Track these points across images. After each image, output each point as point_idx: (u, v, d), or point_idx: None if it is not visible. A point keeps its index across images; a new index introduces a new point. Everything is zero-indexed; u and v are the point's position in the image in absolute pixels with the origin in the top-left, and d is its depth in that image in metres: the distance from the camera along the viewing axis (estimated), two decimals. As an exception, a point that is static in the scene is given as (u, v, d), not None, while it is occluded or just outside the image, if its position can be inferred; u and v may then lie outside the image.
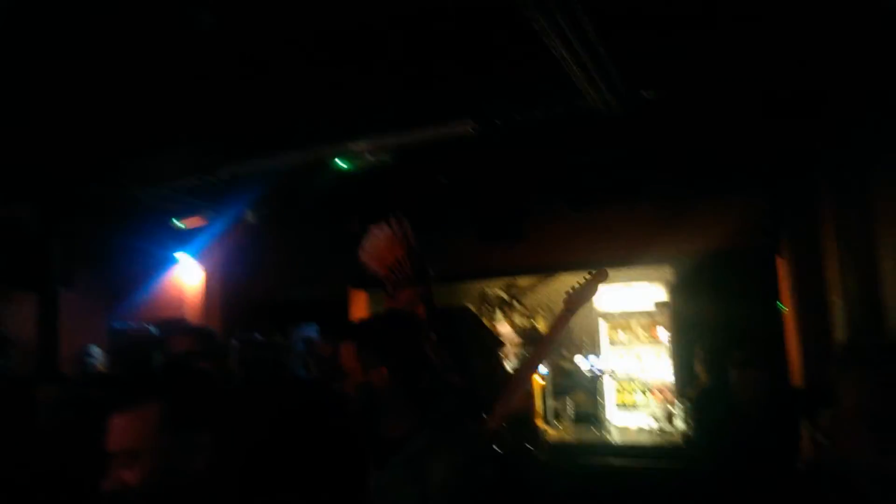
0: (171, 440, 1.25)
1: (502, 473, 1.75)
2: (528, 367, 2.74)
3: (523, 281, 7.12)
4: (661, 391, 5.75)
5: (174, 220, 5.36)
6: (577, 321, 7.43)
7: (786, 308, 4.86)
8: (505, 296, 7.09)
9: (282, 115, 3.61)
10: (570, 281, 7.62)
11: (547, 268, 6.24)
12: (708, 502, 3.65)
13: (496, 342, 2.63)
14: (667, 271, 5.59)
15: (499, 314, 6.84)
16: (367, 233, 2.34)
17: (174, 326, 4.31)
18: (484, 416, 2.20)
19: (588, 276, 2.62)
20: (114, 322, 6.43)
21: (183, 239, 6.16)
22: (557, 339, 2.68)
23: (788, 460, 3.59)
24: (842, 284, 3.38)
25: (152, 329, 6.38)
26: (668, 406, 5.38)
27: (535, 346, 2.48)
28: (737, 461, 3.47)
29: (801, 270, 4.43)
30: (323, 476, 2.22)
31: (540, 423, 5.42)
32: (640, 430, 5.41)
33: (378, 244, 2.29)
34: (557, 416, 5.67)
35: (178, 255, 6.54)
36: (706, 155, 4.56)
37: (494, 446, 2.18)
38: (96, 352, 4.74)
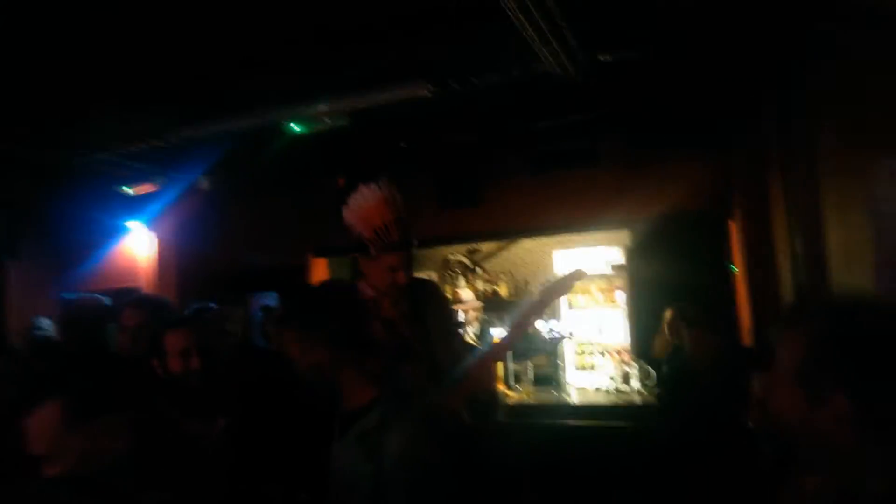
0: (81, 431, 1.20)
1: (458, 449, 1.73)
2: (493, 353, 2.73)
3: (485, 247, 7.15)
4: (618, 353, 5.89)
5: (124, 187, 5.18)
6: (537, 286, 7.51)
7: (737, 269, 5.01)
8: (468, 262, 7.11)
9: (235, 77, 3.48)
10: (531, 246, 7.69)
11: (508, 233, 6.27)
12: (662, 459, 3.78)
13: (457, 322, 2.66)
14: (624, 235, 5.68)
15: (461, 280, 6.86)
16: (354, 191, 2.25)
17: (127, 297, 4.21)
18: (443, 392, 2.19)
19: (564, 275, 2.59)
20: (63, 293, 6.26)
21: (134, 207, 5.98)
22: (526, 328, 2.65)
23: (737, 418, 3.74)
24: (789, 246, 3.48)
25: (105, 300, 6.24)
26: (625, 367, 5.53)
27: (505, 335, 2.46)
28: (689, 419, 3.60)
29: (751, 232, 4.55)
30: (290, 451, 2.21)
31: (501, 386, 5.51)
32: (598, 390, 5.55)
33: (367, 205, 2.21)
34: (518, 379, 5.77)
35: (130, 223, 6.35)
36: (661, 119, 4.61)
37: (451, 422, 2.19)
38: (45, 323, 4.59)
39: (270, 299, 5.67)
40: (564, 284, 2.54)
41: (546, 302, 2.51)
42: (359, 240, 2.26)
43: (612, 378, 5.58)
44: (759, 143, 4.35)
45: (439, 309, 2.48)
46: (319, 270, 6.45)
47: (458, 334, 2.52)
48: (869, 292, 1.08)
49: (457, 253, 7.03)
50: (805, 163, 3.03)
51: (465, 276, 6.92)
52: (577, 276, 2.52)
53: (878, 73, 2.07)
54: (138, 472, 1.21)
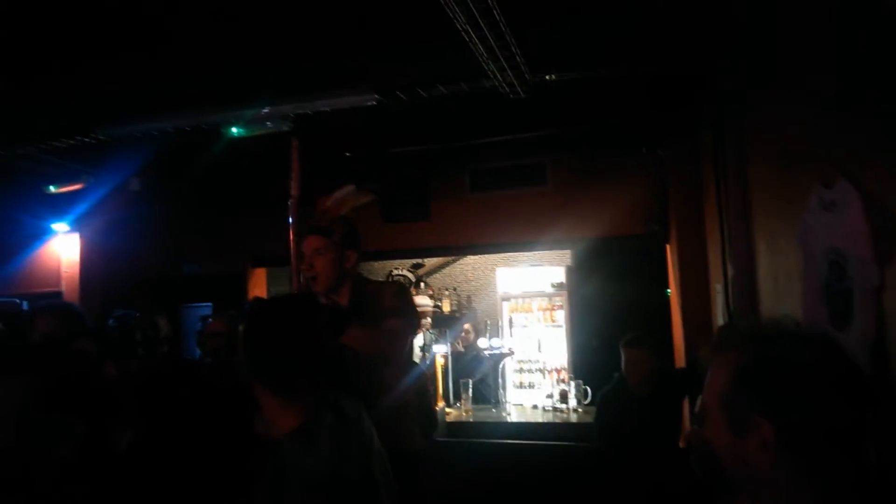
0: (33, 421, 1.16)
1: (382, 468, 1.62)
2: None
3: (430, 262, 7.12)
4: (557, 371, 5.94)
5: (49, 186, 4.89)
6: (479, 303, 7.52)
7: (671, 292, 5.14)
8: (412, 277, 7.06)
9: (172, 72, 3.33)
10: (474, 263, 7.69)
11: (452, 249, 6.26)
12: (598, 478, 3.79)
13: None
14: (566, 255, 5.75)
15: (404, 295, 6.81)
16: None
17: (46, 302, 3.96)
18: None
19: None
20: (-22, 296, 5.87)
21: (60, 207, 5.66)
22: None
23: (672, 438, 3.81)
24: (722, 271, 3.58)
25: (24, 304, 5.87)
26: (563, 385, 5.56)
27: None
28: (625, 438, 3.63)
29: (686, 257, 4.68)
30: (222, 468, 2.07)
31: (441, 403, 5.45)
32: (536, 408, 5.56)
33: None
34: (458, 396, 5.73)
35: (55, 224, 6.02)
36: (603, 141, 4.71)
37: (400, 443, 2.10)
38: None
39: (207, 309, 5.46)
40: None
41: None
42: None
43: (549, 396, 5.60)
44: (697, 168, 4.49)
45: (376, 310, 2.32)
46: (258, 281, 6.25)
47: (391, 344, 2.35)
48: (794, 320, 1.11)
49: (401, 267, 6.97)
50: (738, 190, 3.13)
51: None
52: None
53: (804, 103, 2.15)
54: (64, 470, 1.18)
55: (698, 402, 1.13)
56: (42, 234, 6.15)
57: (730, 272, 3.36)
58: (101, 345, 2.44)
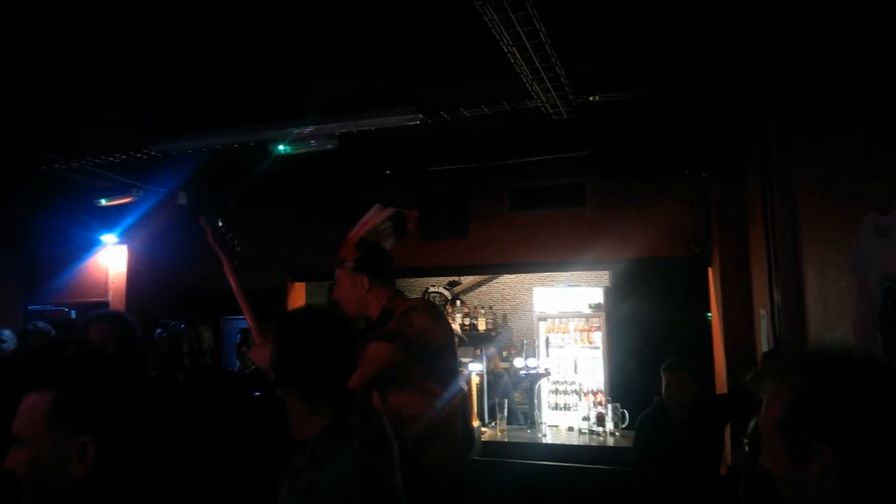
0: (54, 437, 1.15)
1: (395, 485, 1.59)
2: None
3: (466, 280, 7.11)
4: (594, 394, 5.84)
5: (100, 199, 5.07)
6: (515, 322, 7.46)
7: (713, 317, 5.03)
8: (448, 294, 7.07)
9: (222, 92, 3.44)
10: (511, 281, 7.64)
11: (489, 268, 6.25)
12: (635, 503, 3.72)
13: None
14: (605, 276, 5.69)
15: (440, 312, 6.82)
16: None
17: (94, 311, 4.08)
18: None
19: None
20: (29, 305, 6.08)
21: (108, 219, 5.85)
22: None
23: (712, 464, 3.71)
24: (768, 296, 3.50)
25: (72, 313, 6.06)
26: (600, 408, 5.47)
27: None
28: (665, 463, 3.55)
29: (730, 281, 4.58)
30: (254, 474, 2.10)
31: (476, 423, 5.42)
32: (572, 431, 5.48)
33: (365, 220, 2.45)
34: (494, 416, 5.68)
35: (104, 236, 6.22)
36: (644, 161, 4.67)
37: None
38: (7, 335, 4.44)
39: (245, 322, 5.55)
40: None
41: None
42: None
43: (586, 419, 5.51)
44: (742, 191, 4.41)
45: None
46: (298, 294, 6.34)
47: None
48: (847, 346, 1.08)
49: (437, 285, 6.99)
50: (786, 215, 3.06)
51: (445, 309, 6.87)
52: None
53: (857, 129, 2.10)
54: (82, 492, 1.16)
55: (749, 428, 1.12)
56: (91, 245, 6.34)
57: (776, 297, 3.28)
58: (150, 355, 2.50)
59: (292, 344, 1.61)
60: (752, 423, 1.23)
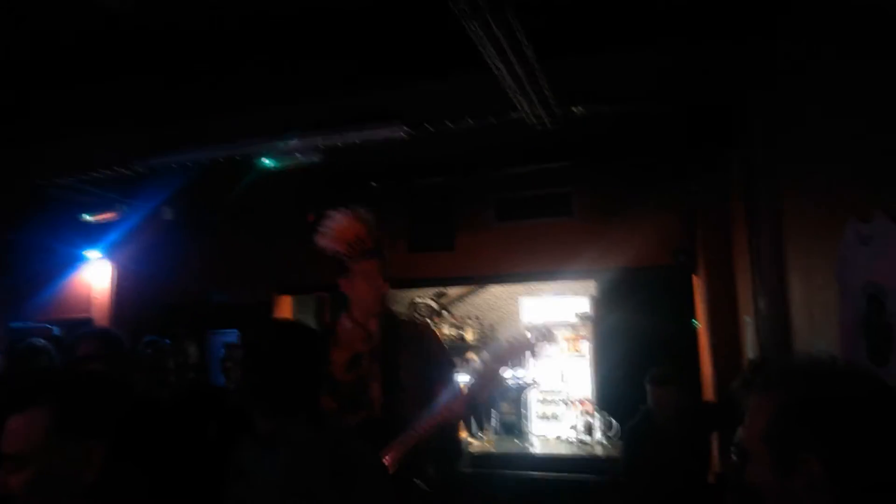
0: (60, 447, 1.16)
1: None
2: (452, 408, 2.38)
3: (453, 291, 7.10)
4: (581, 403, 5.84)
5: (83, 215, 5.01)
6: (503, 332, 7.45)
7: (699, 325, 5.06)
8: (435, 305, 7.05)
9: (207, 107, 3.44)
10: (498, 292, 7.62)
11: (476, 279, 6.25)
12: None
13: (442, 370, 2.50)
14: (591, 285, 5.71)
15: (429, 323, 6.79)
16: (324, 218, 2.36)
17: (79, 328, 4.03)
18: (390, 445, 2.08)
19: (512, 341, 2.56)
20: (12, 322, 5.99)
21: (92, 235, 5.79)
22: (493, 383, 2.52)
23: (700, 473, 3.72)
24: (753, 304, 3.53)
25: (55, 330, 5.97)
26: (588, 418, 5.47)
27: (448, 405, 2.31)
28: (652, 473, 3.56)
29: (715, 289, 4.62)
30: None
31: (464, 434, 5.39)
32: (561, 440, 5.47)
33: (338, 224, 2.32)
34: (482, 427, 5.66)
35: (87, 252, 6.15)
36: (630, 171, 4.71)
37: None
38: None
39: (232, 336, 5.50)
40: (512, 353, 2.50)
41: (493, 369, 2.47)
42: (337, 264, 2.29)
43: (574, 428, 5.51)
44: (726, 200, 4.46)
45: (418, 354, 2.36)
46: (284, 308, 6.30)
47: (437, 383, 2.36)
48: (832, 355, 1.09)
49: (424, 296, 6.97)
50: (770, 222, 3.10)
51: (432, 320, 6.85)
52: (527, 347, 2.50)
53: (839, 137, 2.14)
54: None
55: (736, 438, 1.12)
56: (74, 261, 6.27)
57: (761, 305, 3.31)
58: (135, 370, 2.47)
59: (263, 361, 1.61)
60: (739, 432, 1.23)
